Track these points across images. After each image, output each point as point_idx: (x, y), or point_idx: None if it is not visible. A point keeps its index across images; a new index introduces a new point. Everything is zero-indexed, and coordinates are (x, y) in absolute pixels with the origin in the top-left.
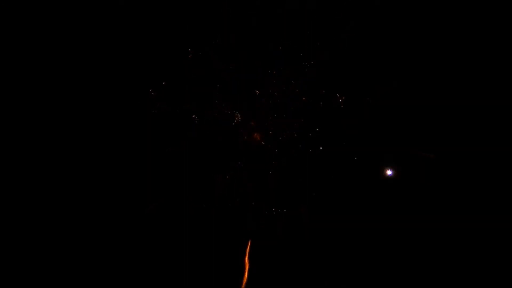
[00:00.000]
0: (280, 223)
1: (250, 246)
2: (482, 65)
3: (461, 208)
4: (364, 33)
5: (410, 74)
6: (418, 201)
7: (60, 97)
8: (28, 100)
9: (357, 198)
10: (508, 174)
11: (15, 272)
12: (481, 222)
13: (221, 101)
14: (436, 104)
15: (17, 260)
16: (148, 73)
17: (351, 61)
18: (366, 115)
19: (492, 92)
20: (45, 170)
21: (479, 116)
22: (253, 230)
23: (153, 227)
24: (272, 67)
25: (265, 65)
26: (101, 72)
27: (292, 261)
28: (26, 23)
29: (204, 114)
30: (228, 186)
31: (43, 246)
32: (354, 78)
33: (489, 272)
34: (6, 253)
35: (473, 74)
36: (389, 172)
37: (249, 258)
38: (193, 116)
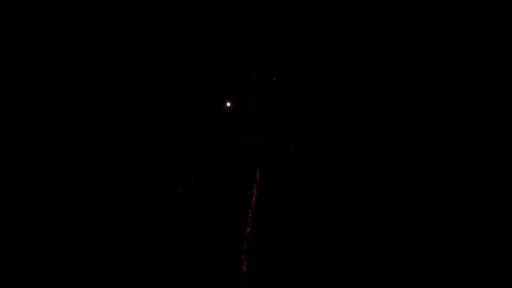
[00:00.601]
0: None
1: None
2: (482, 65)
3: (462, 209)
4: (364, 33)
5: (410, 74)
6: (418, 202)
7: (60, 97)
8: (30, 101)
9: (357, 198)
10: (508, 174)
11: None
12: (481, 222)
13: (221, 101)
14: (436, 104)
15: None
16: (148, 73)
17: (351, 61)
18: (366, 115)
19: (492, 92)
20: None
21: (479, 116)
22: None
23: (152, 224)
24: (272, 67)
25: (265, 65)
26: (101, 72)
27: (292, 257)
28: (26, 23)
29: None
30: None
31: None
32: (354, 78)
33: (489, 272)
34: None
35: (473, 74)
36: None
37: (257, 187)
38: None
